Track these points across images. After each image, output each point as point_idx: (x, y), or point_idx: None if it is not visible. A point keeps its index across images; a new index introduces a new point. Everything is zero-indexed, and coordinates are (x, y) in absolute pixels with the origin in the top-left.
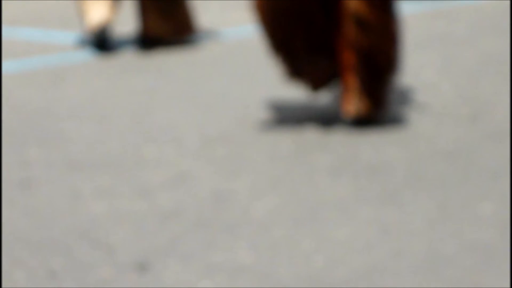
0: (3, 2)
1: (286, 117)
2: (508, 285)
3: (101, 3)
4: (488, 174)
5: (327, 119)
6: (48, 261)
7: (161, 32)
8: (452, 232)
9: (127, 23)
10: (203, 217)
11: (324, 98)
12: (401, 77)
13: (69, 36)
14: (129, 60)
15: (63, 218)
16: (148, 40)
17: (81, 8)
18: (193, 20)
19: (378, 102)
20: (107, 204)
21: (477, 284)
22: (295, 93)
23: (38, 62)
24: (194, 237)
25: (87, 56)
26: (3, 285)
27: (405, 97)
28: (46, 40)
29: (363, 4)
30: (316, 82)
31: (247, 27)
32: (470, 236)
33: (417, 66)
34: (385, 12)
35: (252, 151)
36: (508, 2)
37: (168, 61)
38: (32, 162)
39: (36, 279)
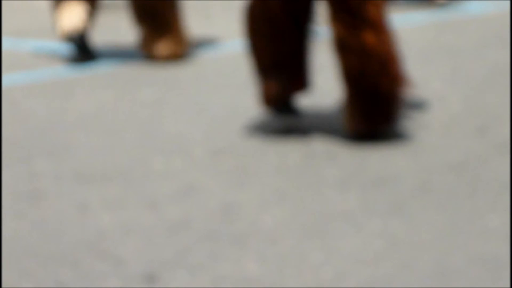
0: (11, 14)
1: (294, 128)
2: None
3: (75, 10)
4: (496, 186)
5: (334, 131)
6: (56, 273)
7: (157, 51)
8: (460, 244)
9: (131, 34)
10: (211, 229)
11: (331, 110)
12: (407, 90)
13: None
14: (136, 72)
15: (71, 230)
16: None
17: (56, 15)
18: (187, 36)
19: (377, 119)
20: (115, 216)
21: None
22: (302, 104)
23: (46, 74)
24: (202, 249)
25: (95, 68)
26: None
27: (412, 109)
28: (53, 52)
29: (342, 27)
30: (271, 98)
31: None
32: (478, 248)
33: (424, 78)
34: (370, 32)
35: (260, 163)
36: None
37: (174, 73)
38: (40, 174)
39: None
